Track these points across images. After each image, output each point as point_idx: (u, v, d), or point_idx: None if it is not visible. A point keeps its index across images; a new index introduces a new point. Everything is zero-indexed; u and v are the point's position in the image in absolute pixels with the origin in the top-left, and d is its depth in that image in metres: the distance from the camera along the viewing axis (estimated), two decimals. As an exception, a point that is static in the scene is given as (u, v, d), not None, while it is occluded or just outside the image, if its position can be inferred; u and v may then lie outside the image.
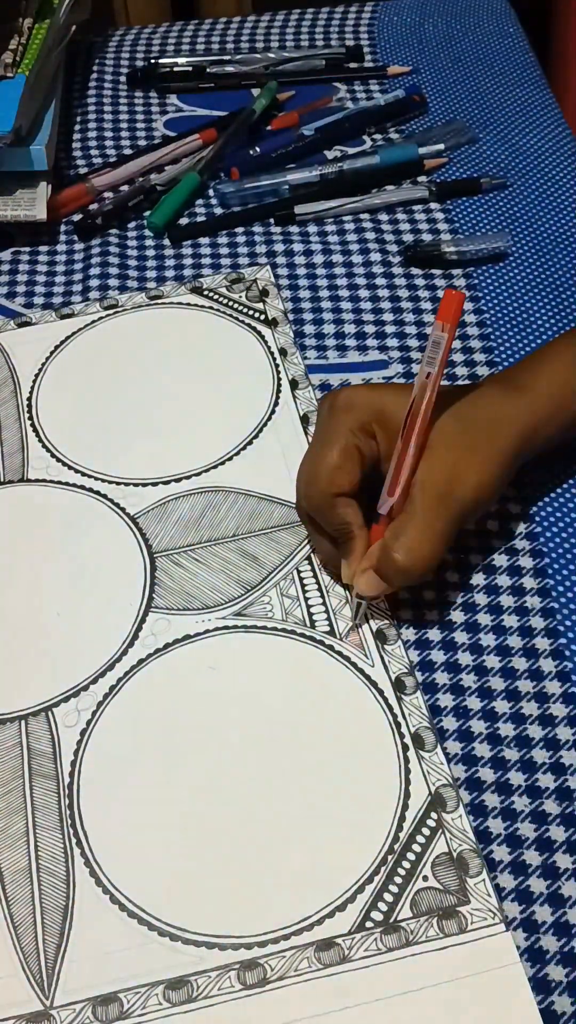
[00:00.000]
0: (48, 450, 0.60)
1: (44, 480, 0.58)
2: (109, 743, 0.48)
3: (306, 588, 0.53)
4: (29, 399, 0.62)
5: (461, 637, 0.51)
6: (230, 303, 0.67)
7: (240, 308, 0.66)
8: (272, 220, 0.72)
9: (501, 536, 0.54)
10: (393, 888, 0.43)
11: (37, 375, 0.63)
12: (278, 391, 0.62)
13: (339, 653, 0.50)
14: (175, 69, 0.85)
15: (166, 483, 0.57)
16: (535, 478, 0.56)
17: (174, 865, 0.44)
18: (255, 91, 0.82)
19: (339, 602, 0.52)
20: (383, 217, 0.72)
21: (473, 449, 0.48)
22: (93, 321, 0.66)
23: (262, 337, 0.64)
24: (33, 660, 0.51)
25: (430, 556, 0.48)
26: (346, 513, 0.49)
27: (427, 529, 0.48)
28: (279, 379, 0.62)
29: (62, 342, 0.65)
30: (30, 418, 0.61)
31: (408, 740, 0.47)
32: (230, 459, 0.58)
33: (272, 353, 0.64)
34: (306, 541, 0.54)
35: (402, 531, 0.48)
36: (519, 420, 0.50)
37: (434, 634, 0.51)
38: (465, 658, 0.50)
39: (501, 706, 0.48)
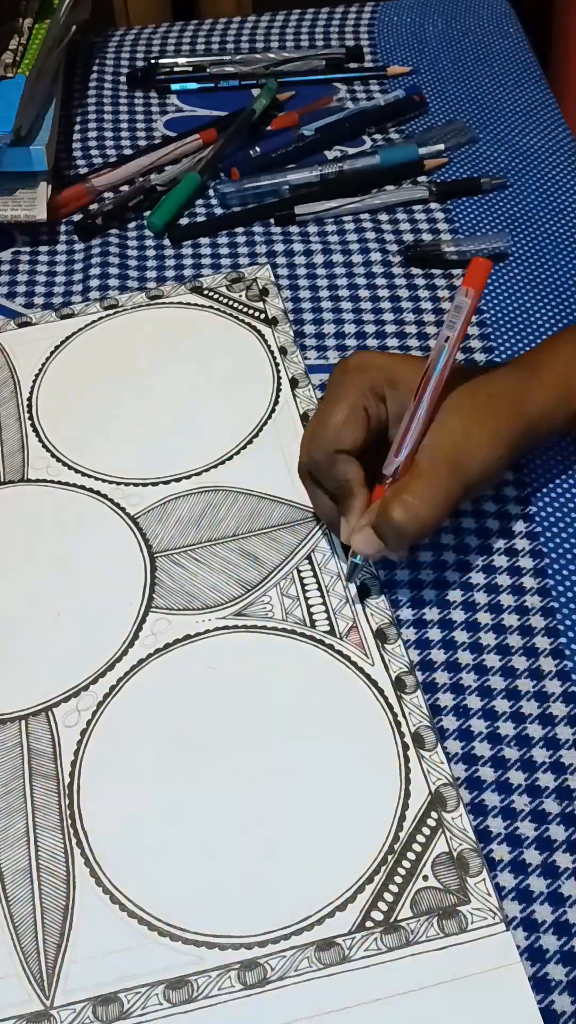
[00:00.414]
0: (48, 450, 0.60)
1: (44, 480, 0.58)
2: (109, 743, 0.48)
3: (306, 588, 0.53)
4: (29, 399, 0.62)
5: (461, 636, 0.51)
6: (230, 302, 0.67)
7: (240, 307, 0.66)
8: (272, 220, 0.72)
9: (501, 536, 0.54)
10: (393, 888, 0.43)
11: (37, 375, 0.64)
12: (278, 390, 0.62)
13: (339, 653, 0.50)
14: (175, 69, 0.85)
15: (166, 483, 0.57)
16: (536, 478, 0.56)
17: (174, 865, 0.44)
18: (255, 91, 0.83)
19: (339, 602, 0.52)
20: (383, 217, 0.72)
21: (482, 423, 0.49)
22: (93, 321, 0.66)
23: (262, 336, 0.64)
24: (33, 660, 0.51)
25: (428, 519, 0.47)
26: (347, 470, 0.49)
27: (429, 492, 0.47)
28: (279, 378, 0.62)
29: (62, 342, 0.65)
30: (30, 418, 0.61)
31: (408, 739, 0.47)
32: (230, 458, 0.58)
33: (272, 352, 0.64)
34: (307, 540, 0.54)
35: (404, 490, 0.47)
36: (529, 402, 0.50)
37: (434, 633, 0.51)
38: (465, 657, 0.50)
39: (501, 705, 0.48)
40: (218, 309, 0.66)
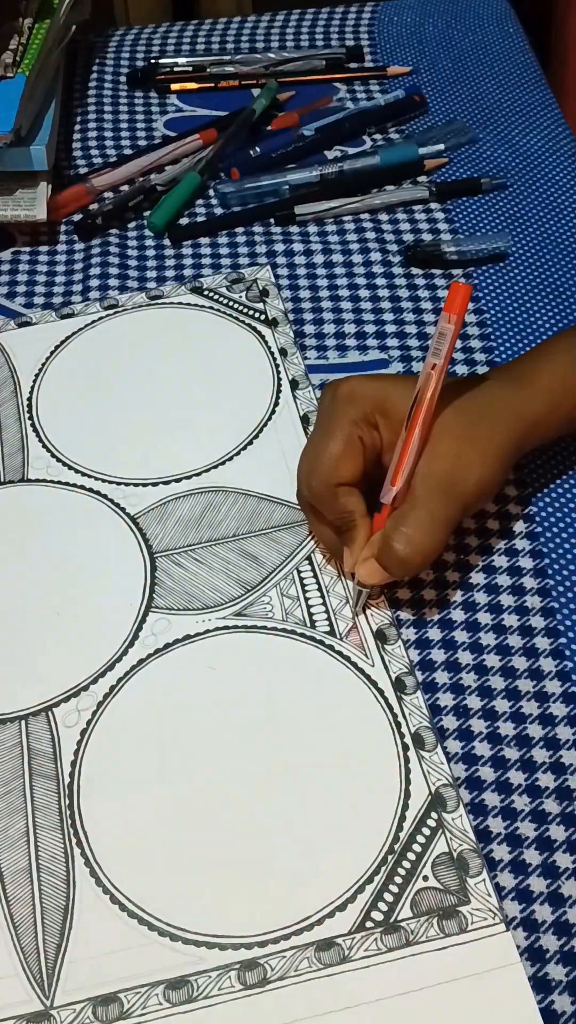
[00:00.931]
0: (48, 450, 0.60)
1: (44, 480, 0.58)
2: (109, 743, 0.48)
3: (306, 588, 0.53)
4: (29, 399, 0.62)
5: (461, 636, 0.51)
6: (230, 303, 0.67)
7: (240, 308, 0.66)
8: (272, 220, 0.72)
9: (501, 536, 0.54)
10: (393, 888, 0.43)
11: (37, 375, 0.63)
12: (278, 391, 0.62)
13: (339, 653, 0.50)
14: (175, 69, 0.85)
15: (166, 483, 0.57)
16: (536, 478, 0.56)
17: (174, 865, 0.44)
18: (255, 91, 0.83)
19: (339, 602, 0.52)
20: (383, 217, 0.72)
21: (475, 441, 0.49)
22: (93, 321, 0.66)
23: (262, 337, 0.64)
24: (33, 660, 0.51)
25: (431, 546, 0.48)
26: (348, 502, 0.50)
27: (428, 519, 0.48)
28: (279, 379, 0.62)
29: (62, 342, 0.65)
30: (30, 418, 0.61)
31: (408, 740, 0.47)
32: (230, 459, 0.58)
33: (272, 353, 0.64)
34: (307, 541, 0.54)
35: (403, 521, 0.48)
36: (520, 413, 0.50)
37: (434, 633, 0.51)
38: (465, 657, 0.50)
39: (501, 705, 0.48)
40: (218, 310, 0.66)
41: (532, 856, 0.44)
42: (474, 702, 0.48)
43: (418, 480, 0.48)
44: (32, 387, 0.63)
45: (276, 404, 0.61)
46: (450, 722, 0.48)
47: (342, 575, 0.53)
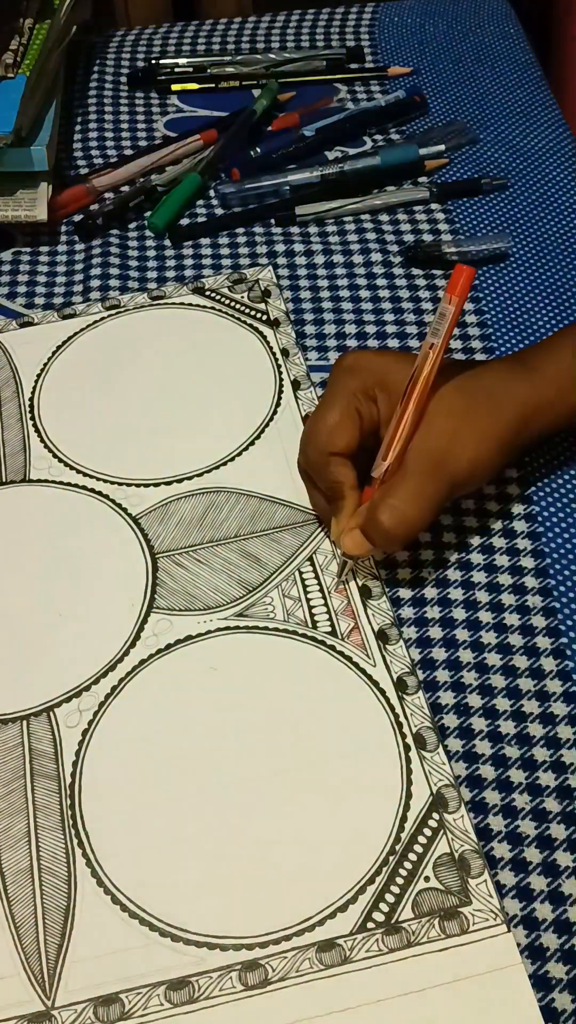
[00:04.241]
0: (50, 450, 0.60)
1: (46, 480, 0.58)
2: (111, 743, 0.48)
3: (308, 589, 0.53)
4: (31, 399, 0.62)
5: (463, 635, 0.51)
6: (232, 303, 0.67)
7: (242, 308, 0.66)
8: (273, 221, 0.73)
9: (503, 535, 0.54)
10: (395, 889, 0.43)
11: (39, 375, 0.64)
12: (280, 391, 0.62)
13: (340, 653, 0.50)
14: (176, 70, 0.85)
15: (168, 484, 0.57)
16: (538, 478, 0.57)
17: (175, 865, 0.44)
18: (256, 92, 0.83)
19: (340, 603, 0.52)
20: (384, 218, 0.72)
21: (472, 421, 0.49)
22: (95, 321, 0.66)
23: (264, 337, 0.64)
24: (35, 660, 0.51)
25: (415, 520, 0.48)
26: (339, 472, 0.50)
27: (416, 494, 0.48)
28: (281, 379, 0.62)
29: (64, 342, 0.65)
30: (32, 418, 0.61)
31: (410, 740, 0.47)
32: (232, 460, 0.58)
33: (274, 353, 0.64)
34: (308, 541, 0.54)
35: (391, 493, 0.48)
36: (521, 399, 0.50)
37: (435, 631, 0.51)
38: (466, 656, 0.50)
39: (502, 704, 0.48)
40: (220, 310, 0.66)
41: (532, 854, 0.44)
42: (475, 700, 0.48)
43: (411, 455, 0.49)
44: (34, 387, 0.63)
45: (278, 404, 0.61)
46: (451, 720, 0.48)
47: (331, 543, 0.53)
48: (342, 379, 0.51)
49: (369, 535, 0.49)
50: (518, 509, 0.55)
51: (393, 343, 0.64)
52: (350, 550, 0.50)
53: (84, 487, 0.58)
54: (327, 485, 0.51)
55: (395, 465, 0.49)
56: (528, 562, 0.53)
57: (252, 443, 0.59)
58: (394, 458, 0.49)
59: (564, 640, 0.50)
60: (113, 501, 0.57)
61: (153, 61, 0.86)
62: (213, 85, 0.84)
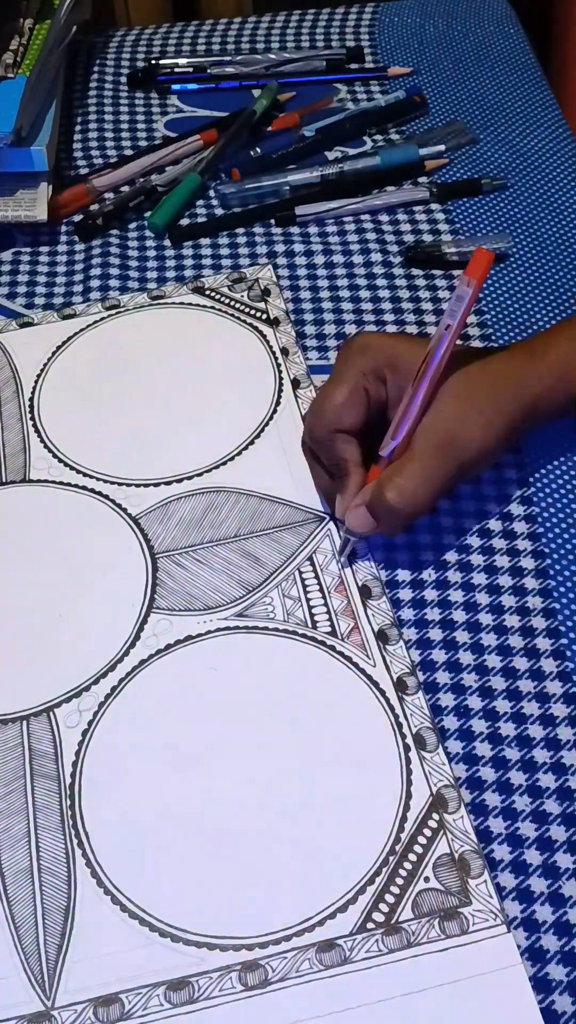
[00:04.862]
0: (50, 451, 0.60)
1: (46, 481, 0.58)
2: (111, 744, 0.48)
3: (308, 589, 0.53)
4: (31, 399, 0.62)
5: (463, 636, 0.51)
6: (232, 303, 0.67)
7: (242, 308, 0.66)
8: (273, 221, 0.72)
9: (503, 536, 0.54)
10: (395, 889, 0.43)
11: (39, 375, 0.63)
12: (280, 391, 0.62)
13: (340, 653, 0.50)
14: (176, 70, 0.85)
15: (168, 483, 0.57)
16: (539, 478, 0.57)
17: (175, 865, 0.44)
18: (256, 92, 0.83)
19: (340, 603, 0.52)
20: (384, 218, 0.72)
21: (480, 406, 0.50)
22: (95, 321, 0.66)
23: (264, 337, 0.64)
24: (35, 661, 0.51)
25: (421, 500, 0.49)
26: (345, 449, 0.51)
27: (423, 473, 0.49)
28: (281, 379, 0.62)
29: (64, 342, 0.65)
30: (32, 418, 0.61)
31: (410, 740, 0.47)
32: (232, 459, 0.58)
33: (274, 353, 0.64)
34: (308, 541, 0.54)
35: (398, 472, 0.49)
36: (527, 386, 0.51)
37: (435, 633, 0.51)
38: (466, 657, 0.50)
39: (502, 706, 0.48)
40: (220, 310, 0.66)
41: (533, 856, 0.44)
42: (475, 702, 0.48)
43: (419, 436, 0.49)
44: (34, 387, 0.63)
45: (278, 404, 0.61)
46: (451, 722, 0.48)
47: (334, 521, 0.54)
48: (352, 358, 0.52)
49: (375, 512, 0.50)
50: (518, 510, 0.55)
51: (393, 343, 0.64)
52: (355, 527, 0.51)
53: (84, 487, 0.58)
54: (332, 462, 0.52)
55: (404, 444, 0.50)
56: (528, 563, 0.53)
57: (252, 442, 0.59)
58: (404, 437, 0.49)
59: (564, 641, 0.50)
60: (113, 501, 0.57)
61: (153, 61, 0.86)
62: (213, 85, 0.84)
